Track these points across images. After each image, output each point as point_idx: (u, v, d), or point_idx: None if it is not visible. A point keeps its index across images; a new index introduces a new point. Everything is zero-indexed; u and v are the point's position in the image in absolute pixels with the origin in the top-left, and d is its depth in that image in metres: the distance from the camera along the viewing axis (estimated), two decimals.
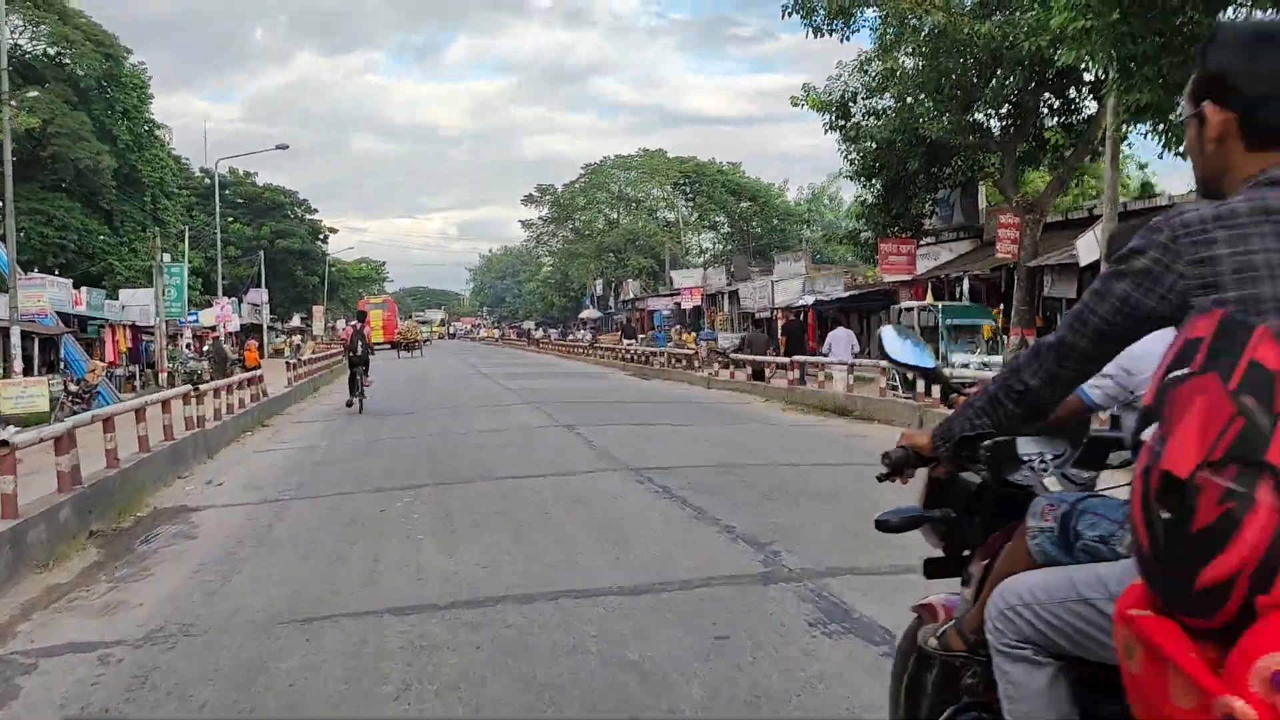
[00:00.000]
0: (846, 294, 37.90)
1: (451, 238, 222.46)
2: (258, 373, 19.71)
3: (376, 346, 66.73)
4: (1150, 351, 1.91)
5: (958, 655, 2.35)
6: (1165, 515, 1.48)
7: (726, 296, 46.33)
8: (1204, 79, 1.83)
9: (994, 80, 21.94)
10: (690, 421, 16.33)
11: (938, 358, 16.56)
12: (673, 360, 31.99)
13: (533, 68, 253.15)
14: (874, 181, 27.34)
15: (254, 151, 57.00)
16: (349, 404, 20.21)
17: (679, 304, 55.58)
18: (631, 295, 59.74)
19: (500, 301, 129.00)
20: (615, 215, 69.01)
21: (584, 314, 77.46)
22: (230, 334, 62.70)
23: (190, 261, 73.42)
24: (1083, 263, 20.40)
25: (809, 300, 38.32)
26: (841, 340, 22.96)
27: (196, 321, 43.73)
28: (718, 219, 68.69)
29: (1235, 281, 1.64)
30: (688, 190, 68.61)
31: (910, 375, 13.74)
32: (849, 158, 26.54)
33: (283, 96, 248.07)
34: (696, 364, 29.35)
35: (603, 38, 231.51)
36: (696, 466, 10.87)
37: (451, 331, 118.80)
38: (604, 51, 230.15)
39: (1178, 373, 1.54)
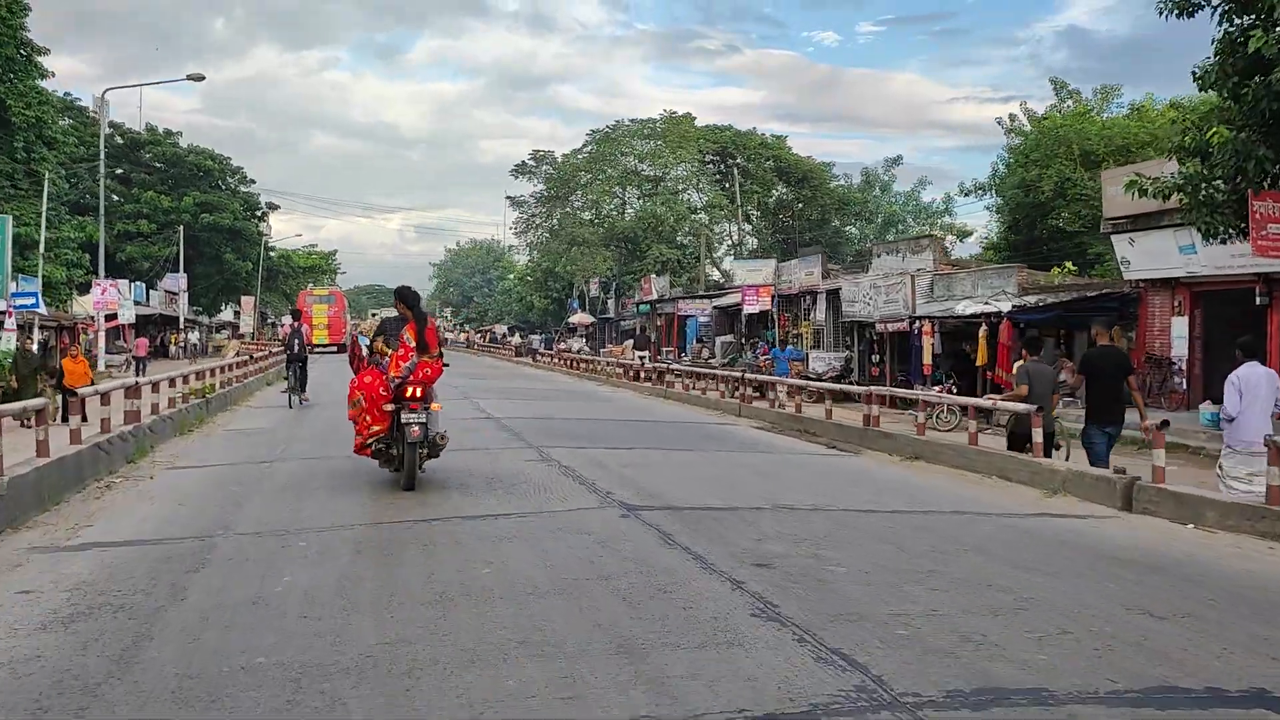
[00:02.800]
0: (1065, 299, 24.05)
1: (409, 239, 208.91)
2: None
3: (322, 348, 52.27)
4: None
5: None
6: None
7: (822, 298, 32.34)
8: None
9: None
10: None
11: None
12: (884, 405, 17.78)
13: (495, 71, 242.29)
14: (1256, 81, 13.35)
15: (159, 82, 41.39)
16: (285, 391, 20.88)
17: (722, 308, 41.57)
18: (656, 295, 45.69)
19: (468, 301, 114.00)
20: (625, 195, 54.81)
21: (574, 318, 63.15)
22: (122, 328, 47.95)
23: (89, 234, 58.60)
24: None
25: (996, 307, 24.62)
26: (1261, 385, 9.22)
27: (36, 306, 28.95)
28: (749, 209, 54.74)
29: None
30: (714, 169, 54.58)
31: None
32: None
33: (241, 90, 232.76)
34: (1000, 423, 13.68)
35: (567, 44, 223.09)
36: None
37: None
38: (568, 58, 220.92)
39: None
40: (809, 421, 16.93)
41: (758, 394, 26.91)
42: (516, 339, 78.47)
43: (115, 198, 63.50)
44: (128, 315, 45.85)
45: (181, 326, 60.92)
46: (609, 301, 63.96)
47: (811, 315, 33.53)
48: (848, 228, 58.99)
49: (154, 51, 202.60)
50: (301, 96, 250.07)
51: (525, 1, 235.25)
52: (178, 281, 60.07)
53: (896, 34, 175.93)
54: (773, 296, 35.37)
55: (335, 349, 52.17)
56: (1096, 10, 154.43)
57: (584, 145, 54.07)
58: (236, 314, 76.71)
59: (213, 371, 19.31)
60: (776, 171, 52.88)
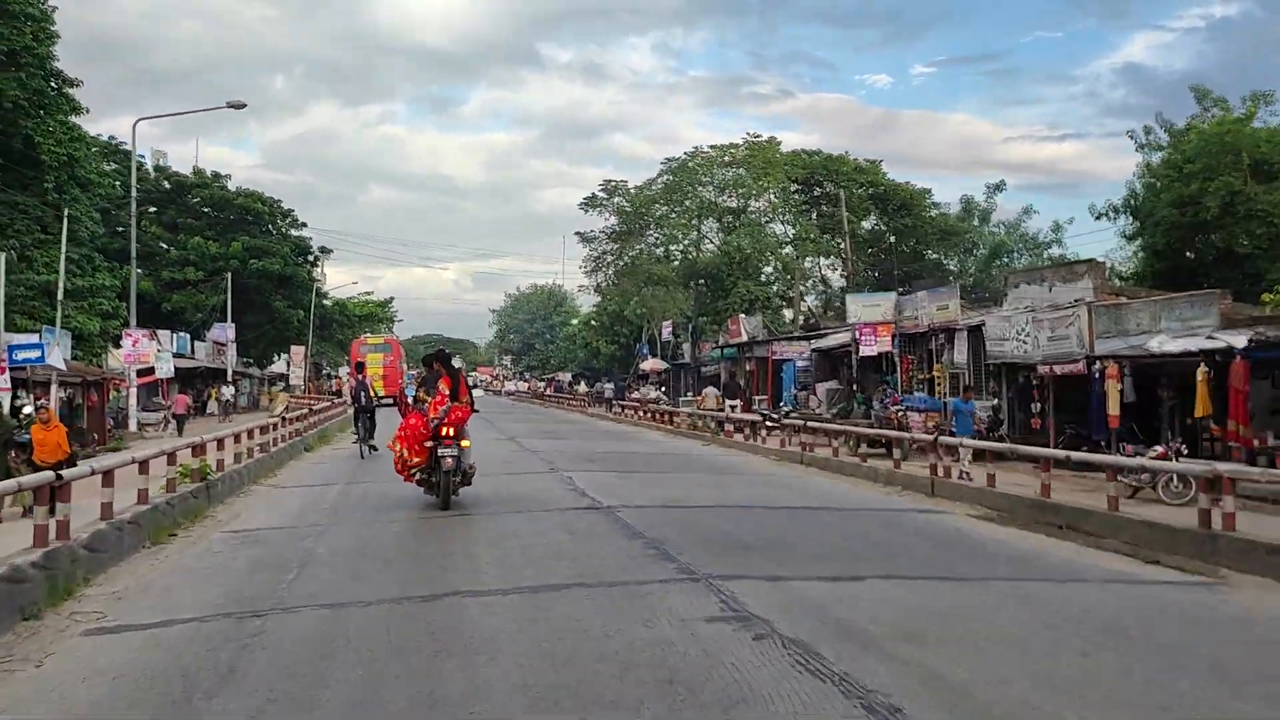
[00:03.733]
0: None
1: (466, 288, 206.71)
2: None
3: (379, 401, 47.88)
4: None
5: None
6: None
7: (962, 336, 26.94)
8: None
9: None
10: None
11: None
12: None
13: (549, 121, 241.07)
14: None
15: (192, 110, 36.45)
16: (355, 441, 21.93)
17: (823, 351, 36.34)
18: (746, 336, 40.50)
19: (529, 349, 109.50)
20: (702, 229, 49.73)
21: (645, 364, 57.95)
22: (161, 383, 43.82)
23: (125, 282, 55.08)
24: None
25: (1224, 342, 19.21)
26: None
27: (40, 361, 24.48)
28: (839, 241, 49.39)
29: None
30: (800, 198, 49.43)
31: None
32: None
33: (300, 145, 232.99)
34: None
35: (620, 93, 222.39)
36: None
37: (472, 383, 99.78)
38: (620, 106, 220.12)
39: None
40: (1070, 512, 11.55)
41: (881, 450, 22.07)
42: (582, 387, 73.46)
43: (162, 245, 60.00)
44: (166, 369, 41.59)
45: (230, 379, 56.86)
46: (683, 346, 58.94)
47: (945, 356, 28.12)
48: (949, 261, 53.37)
49: (218, 110, 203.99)
50: (359, 150, 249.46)
51: (578, 52, 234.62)
52: (225, 332, 56.16)
53: (950, 75, 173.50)
54: (893, 335, 30.05)
55: (390, 401, 47.72)
56: (1155, 47, 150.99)
57: (659, 175, 49.31)
58: (290, 365, 72.72)
59: (220, 443, 14.41)
60: (873, 199, 47.66)
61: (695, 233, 50.14)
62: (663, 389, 53.82)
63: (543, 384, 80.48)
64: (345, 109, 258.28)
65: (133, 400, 36.27)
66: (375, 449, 20.64)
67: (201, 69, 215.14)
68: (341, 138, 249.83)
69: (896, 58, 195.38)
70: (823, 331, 39.92)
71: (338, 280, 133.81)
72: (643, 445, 25.01)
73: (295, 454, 20.72)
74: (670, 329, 55.72)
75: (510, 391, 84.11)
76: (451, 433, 12.31)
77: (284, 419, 20.47)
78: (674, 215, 48.31)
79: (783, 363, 38.87)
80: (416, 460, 12.51)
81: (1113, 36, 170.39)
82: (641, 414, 35.65)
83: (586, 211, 50.79)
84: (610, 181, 49.85)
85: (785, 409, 34.80)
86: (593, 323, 79.05)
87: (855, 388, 32.87)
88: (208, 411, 46.25)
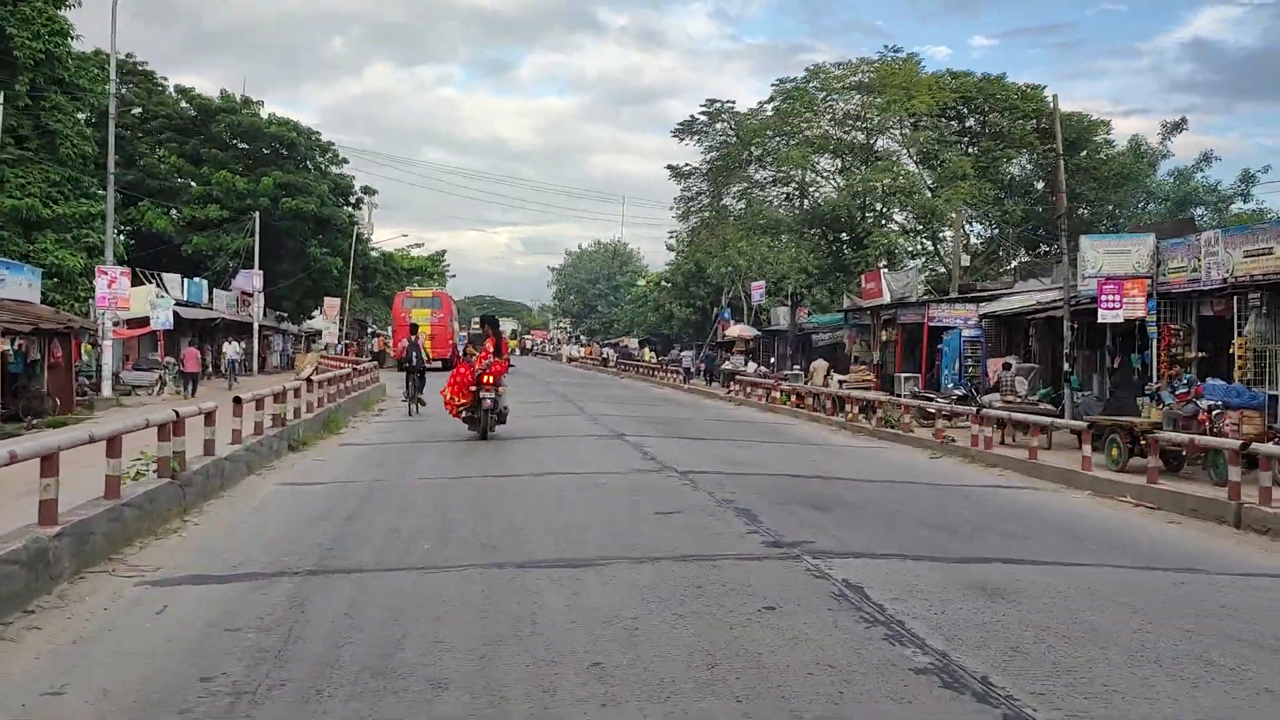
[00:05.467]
0: None
1: (517, 251, 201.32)
2: None
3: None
4: None
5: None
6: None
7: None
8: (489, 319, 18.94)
9: None
10: None
11: None
12: None
13: (604, 87, 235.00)
14: None
15: None
16: (404, 402, 22.51)
17: (997, 317, 27.37)
18: (889, 297, 31.34)
19: (590, 311, 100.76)
20: (809, 169, 40.28)
21: (731, 330, 48.91)
22: (157, 336, 35.87)
23: (149, 221, 47.34)
24: None
25: None
26: None
27: None
28: (986, 186, 39.69)
29: None
30: (935, 133, 39.86)
31: None
32: None
33: (357, 106, 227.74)
34: None
35: (676, 59, 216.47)
36: None
37: (528, 345, 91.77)
38: (675, 73, 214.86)
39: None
40: None
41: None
42: (649, 354, 65.03)
43: (191, 182, 51.91)
44: (163, 319, 33.60)
45: (258, 335, 48.99)
46: (769, 310, 50.17)
47: (1251, 327, 18.85)
48: (1120, 214, 43.51)
49: (277, 69, 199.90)
50: (415, 112, 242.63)
51: (635, 17, 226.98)
52: (251, 279, 48.09)
53: (1011, 46, 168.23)
54: (1150, 293, 20.93)
55: (440, 365, 39.24)
56: (1224, 21, 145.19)
57: (769, 99, 39.79)
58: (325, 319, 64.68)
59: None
60: (1039, 133, 38.13)
61: (808, 172, 40.85)
62: (771, 361, 45.24)
63: (609, 349, 71.85)
64: (401, 70, 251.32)
65: (108, 356, 28.21)
66: (423, 403, 22.02)
67: (257, 29, 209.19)
68: (398, 99, 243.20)
69: (957, 28, 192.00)
70: (990, 293, 30.86)
71: (386, 236, 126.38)
72: (849, 460, 15.88)
73: (268, 459, 11.92)
74: (761, 291, 46.81)
75: (573, 358, 75.37)
76: (491, 380, 16.06)
77: (238, 399, 11.74)
78: (786, 148, 38.98)
79: (942, 331, 29.70)
80: (463, 401, 16.32)
81: (1180, 10, 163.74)
82: (775, 396, 26.73)
83: (681, 140, 41.39)
84: (715, 102, 40.32)
85: (955, 391, 25.74)
86: (664, 283, 70.36)
87: (1070, 367, 23.60)
88: (221, 372, 38.20)
